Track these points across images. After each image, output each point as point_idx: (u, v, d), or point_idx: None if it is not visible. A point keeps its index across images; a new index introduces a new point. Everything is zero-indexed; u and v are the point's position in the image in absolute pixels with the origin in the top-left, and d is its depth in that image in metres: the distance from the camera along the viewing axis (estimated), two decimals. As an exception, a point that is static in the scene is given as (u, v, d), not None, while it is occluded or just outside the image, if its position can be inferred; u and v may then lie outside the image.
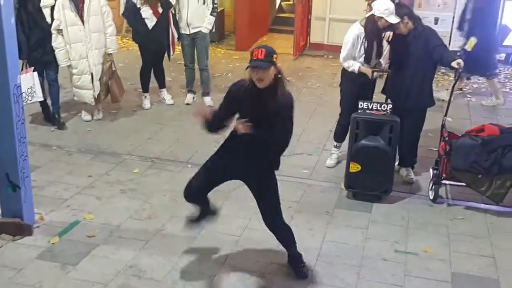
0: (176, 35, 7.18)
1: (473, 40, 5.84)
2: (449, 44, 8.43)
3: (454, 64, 4.87)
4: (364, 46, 5.32)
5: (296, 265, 4.11)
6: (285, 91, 3.67)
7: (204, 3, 6.96)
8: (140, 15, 6.82)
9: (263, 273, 4.11)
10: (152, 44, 7.05)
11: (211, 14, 7.04)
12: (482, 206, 5.12)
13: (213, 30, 7.89)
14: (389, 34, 5.22)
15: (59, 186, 5.27)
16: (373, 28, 5.23)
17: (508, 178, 4.85)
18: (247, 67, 3.55)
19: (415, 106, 5.31)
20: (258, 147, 3.66)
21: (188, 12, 6.98)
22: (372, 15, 5.17)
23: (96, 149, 6.10)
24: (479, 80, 8.76)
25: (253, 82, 3.58)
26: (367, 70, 5.31)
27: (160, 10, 6.85)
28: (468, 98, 7.98)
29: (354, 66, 5.33)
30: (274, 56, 3.57)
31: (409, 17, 5.13)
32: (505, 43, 9.62)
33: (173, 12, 7.06)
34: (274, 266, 4.19)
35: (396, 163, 5.46)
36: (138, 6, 6.77)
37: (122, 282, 3.95)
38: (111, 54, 6.70)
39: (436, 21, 8.46)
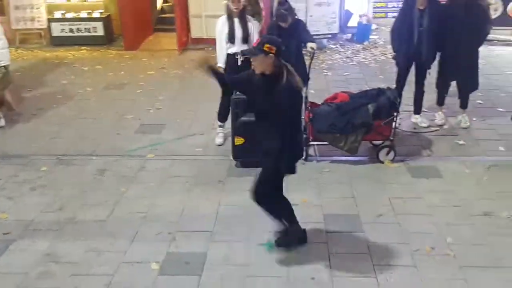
0: None
1: None
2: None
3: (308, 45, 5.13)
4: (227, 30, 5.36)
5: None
6: (288, 83, 3.35)
7: None
8: None
9: (173, 237, 4.08)
10: None
11: None
12: (343, 158, 5.34)
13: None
14: None
15: (-31, 192, 4.84)
16: (228, 12, 5.37)
17: (359, 133, 5.08)
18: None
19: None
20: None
21: None
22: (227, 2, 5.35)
23: (2, 154, 5.64)
24: (333, 57, 9.18)
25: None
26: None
27: None
28: (325, 73, 8.29)
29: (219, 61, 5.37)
30: (267, 45, 3.30)
31: (290, 12, 5.31)
32: (349, 24, 10.18)
33: None
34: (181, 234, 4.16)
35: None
36: None
37: (42, 269, 3.75)
38: (3, 66, 6.17)
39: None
